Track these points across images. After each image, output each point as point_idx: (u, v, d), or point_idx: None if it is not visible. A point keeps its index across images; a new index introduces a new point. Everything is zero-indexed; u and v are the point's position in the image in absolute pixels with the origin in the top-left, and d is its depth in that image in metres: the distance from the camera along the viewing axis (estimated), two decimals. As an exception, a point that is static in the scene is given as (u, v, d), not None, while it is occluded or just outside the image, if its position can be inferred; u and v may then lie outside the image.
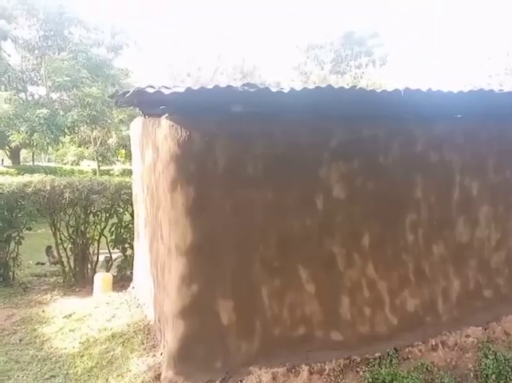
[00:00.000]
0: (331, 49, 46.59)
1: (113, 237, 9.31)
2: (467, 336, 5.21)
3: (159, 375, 4.77)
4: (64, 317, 7.02)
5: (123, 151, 28.70)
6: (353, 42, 46.60)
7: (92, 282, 8.90)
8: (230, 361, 4.61)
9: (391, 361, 4.88)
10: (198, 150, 4.40)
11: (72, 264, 9.26)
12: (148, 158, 5.80)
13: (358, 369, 4.81)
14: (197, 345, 4.53)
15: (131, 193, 8.83)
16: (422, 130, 5.05)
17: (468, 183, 5.26)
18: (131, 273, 9.11)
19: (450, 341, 5.14)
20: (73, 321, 6.85)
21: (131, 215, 9.20)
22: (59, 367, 5.74)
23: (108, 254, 9.45)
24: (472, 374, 4.90)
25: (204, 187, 4.45)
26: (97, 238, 9.34)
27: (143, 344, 5.67)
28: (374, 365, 4.84)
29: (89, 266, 9.38)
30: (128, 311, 6.92)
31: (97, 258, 9.44)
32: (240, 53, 50.82)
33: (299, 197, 4.74)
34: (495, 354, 5.00)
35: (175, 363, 4.53)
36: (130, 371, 5.14)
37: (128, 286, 8.55)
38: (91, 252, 9.37)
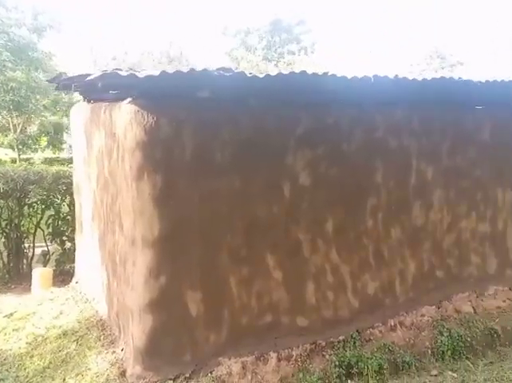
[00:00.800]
0: (259, 35, 46.79)
1: (50, 230, 8.83)
2: (422, 315, 5.42)
3: (124, 371, 4.59)
4: (4, 317, 6.58)
5: (44, 138, 27.34)
6: (281, 29, 47.07)
7: (28, 278, 8.43)
8: (198, 352, 4.52)
9: (354, 343, 4.99)
10: (166, 137, 4.24)
11: (5, 259, 8.71)
12: (99, 145, 5.52)
13: (324, 353, 4.88)
14: (165, 338, 4.40)
15: (69, 183, 8.43)
16: (382, 116, 5.15)
17: (424, 168, 5.44)
18: (71, 267, 8.74)
19: (407, 321, 5.33)
20: (16, 320, 6.43)
21: (70, 206, 8.79)
22: (6, 370, 5.38)
23: (45, 248, 8.95)
24: (430, 351, 5.09)
25: (171, 175, 4.30)
26: (33, 231, 8.82)
27: (99, 340, 5.42)
28: (339, 348, 4.93)
29: (25, 261, 8.85)
30: (75, 307, 6.60)
31: (33, 252, 8.92)
32: (167, 37, 49.93)
33: (266, 185, 4.70)
34: (449, 331, 5.24)
35: (143, 358, 4.38)
36: (90, 369, 4.90)
37: (69, 280, 8.14)
38: (26, 246, 8.85)
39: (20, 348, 5.73)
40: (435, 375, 4.85)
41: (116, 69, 4.06)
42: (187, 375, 4.43)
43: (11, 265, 8.67)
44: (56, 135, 27.19)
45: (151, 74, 3.72)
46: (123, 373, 4.58)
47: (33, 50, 20.93)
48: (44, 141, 27.99)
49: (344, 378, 4.70)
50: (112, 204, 5.15)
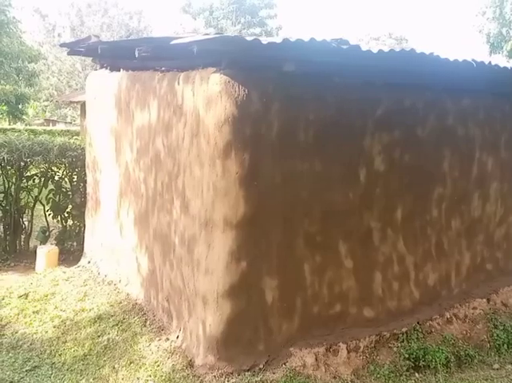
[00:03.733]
0: (223, 14, 45.92)
1: (50, 205, 8.27)
2: (474, 308, 5.38)
3: (191, 361, 4.28)
4: (19, 297, 6.11)
5: (4, 107, 25.96)
6: (245, 10, 46.39)
7: (27, 256, 7.97)
8: (271, 342, 4.28)
9: (417, 335, 4.87)
10: (256, 112, 3.93)
11: (1, 235, 8.11)
12: (147, 118, 5.12)
13: (390, 345, 4.74)
14: (242, 326, 4.14)
15: (76, 156, 7.92)
16: (452, 103, 5.02)
17: (485, 159, 5.37)
18: (72, 245, 8.28)
19: (461, 314, 5.27)
20: (33, 301, 6.00)
21: (71, 181, 8.27)
22: (37, 355, 5.00)
23: (44, 225, 8.39)
24: (488, 345, 5.06)
25: (258, 154, 4.00)
26: (32, 205, 8.24)
27: (144, 326, 5.10)
28: (403, 341, 4.80)
29: (22, 237, 8.27)
30: (98, 289, 6.23)
31: (31, 228, 8.35)
32: (127, 11, 48.32)
33: (344, 169, 4.48)
34: (504, 325, 5.21)
35: (218, 347, 4.09)
36: (145, 358, 4.59)
37: (71, 259, 7.73)
38: (25, 222, 8.27)
39: (47, 332, 5.34)
40: (497, 369, 4.82)
41: (206, 34, 3.69)
42: (261, 366, 4.19)
43: (7, 241, 8.09)
44: (17, 105, 25.87)
45: (246, 40, 3.36)
46: (190, 363, 4.27)
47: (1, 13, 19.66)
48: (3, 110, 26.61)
49: (411, 371, 4.57)
50: (168, 181, 4.78)
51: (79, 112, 18.19)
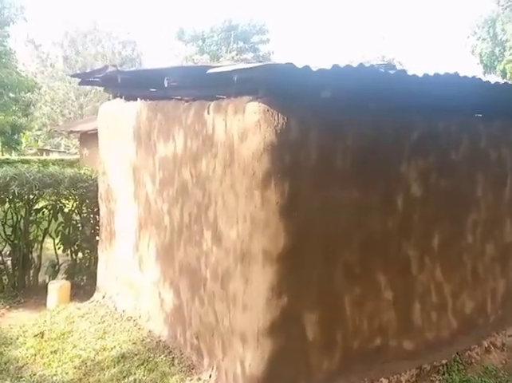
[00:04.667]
0: (216, 41, 46.35)
1: (60, 238, 8.04)
2: (510, 335, 5.22)
3: (228, 402, 4.07)
4: (35, 337, 5.86)
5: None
6: (237, 37, 46.86)
7: (36, 291, 7.70)
8: (312, 380, 4.09)
9: (458, 367, 4.71)
10: (294, 140, 3.81)
11: (9, 269, 7.85)
12: (172, 148, 4.99)
13: (432, 378, 4.57)
14: (284, 365, 3.94)
15: (87, 187, 7.74)
16: (483, 126, 4.94)
17: (516, 182, 5.28)
18: (82, 279, 8.03)
19: (498, 342, 5.13)
20: (50, 340, 5.75)
21: (83, 211, 8.08)
22: (58, 399, 4.72)
23: (54, 258, 8.14)
24: (528, 374, 4.89)
25: (297, 183, 3.87)
26: (41, 239, 8.01)
27: (173, 365, 4.87)
28: (444, 373, 4.64)
29: (31, 272, 8.02)
30: (117, 326, 6.00)
31: (40, 262, 8.10)
32: (120, 38, 48.67)
33: (381, 196, 4.36)
34: (542, 353, 5.06)
35: (260, 387, 3.89)
36: (177, 399, 4.36)
37: (81, 294, 7.48)
38: (34, 256, 8.02)
39: (67, 373, 5.10)
40: (540, 399, 4.64)
41: (248, 63, 3.59)
42: (305, 405, 3.98)
43: (16, 276, 7.83)
44: (12, 135, 25.72)
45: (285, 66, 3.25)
46: (227, 404, 4.06)
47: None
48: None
49: (456, 405, 4.39)
50: (197, 213, 4.62)
51: (78, 142, 18.04)
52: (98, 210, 8.00)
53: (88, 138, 15.32)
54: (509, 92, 4.35)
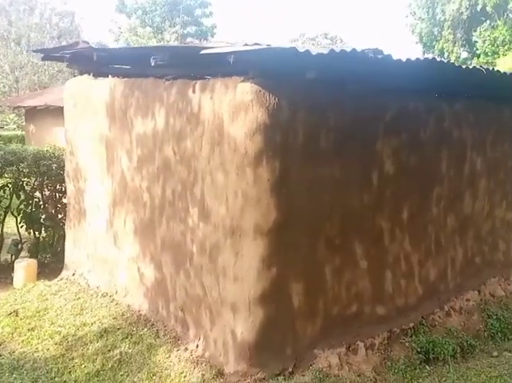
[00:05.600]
0: (160, 14, 45.25)
1: (22, 216, 7.91)
2: (468, 300, 5.71)
3: (220, 370, 4.29)
4: (9, 315, 5.83)
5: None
6: (180, 11, 45.90)
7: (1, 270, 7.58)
8: (297, 345, 4.37)
9: (423, 329, 5.12)
10: (285, 120, 4.00)
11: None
12: (152, 126, 5.05)
13: (401, 340, 4.96)
14: (273, 332, 4.20)
15: (49, 164, 7.64)
16: (447, 106, 5.30)
17: (474, 158, 5.71)
18: (46, 257, 7.97)
19: (457, 306, 5.58)
20: (26, 318, 5.75)
21: (42, 190, 7.97)
22: (44, 375, 4.79)
23: (16, 237, 8.00)
24: (485, 334, 5.38)
25: (286, 161, 4.07)
26: (2, 217, 7.85)
27: (158, 337, 5.03)
28: (412, 335, 5.04)
29: (-7, 251, 7.87)
30: (94, 301, 6.06)
31: (2, 241, 7.95)
32: (57, 9, 46.50)
33: (359, 173, 4.65)
34: (496, 314, 5.57)
35: (251, 354, 4.13)
36: (167, 369, 4.54)
37: (46, 272, 7.44)
38: (-5, 235, 7.86)
39: (48, 349, 5.16)
40: (497, 356, 5.14)
41: (246, 45, 3.72)
42: (290, 369, 4.27)
43: (-23, 256, 7.67)
44: None
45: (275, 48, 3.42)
46: (220, 372, 4.28)
47: None
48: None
49: (423, 364, 4.80)
50: (181, 190, 4.75)
51: (23, 117, 17.37)
52: (61, 188, 7.96)
53: (37, 114, 14.81)
54: (470, 75, 4.68)
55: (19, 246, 7.94)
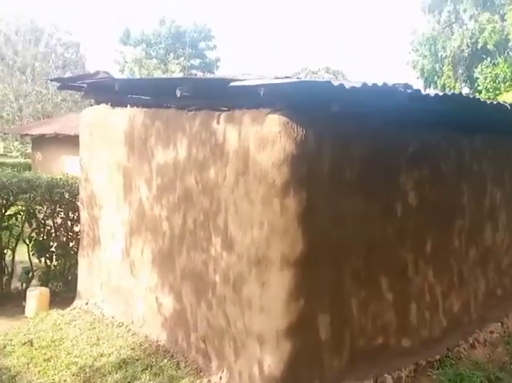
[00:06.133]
0: (164, 47, 45.88)
1: (33, 244, 7.86)
2: (491, 332, 5.62)
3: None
4: (23, 345, 5.74)
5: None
6: (184, 43, 46.54)
7: (11, 299, 7.52)
8: (324, 379, 4.28)
9: (450, 362, 5.03)
10: (311, 151, 4.01)
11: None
12: (173, 156, 5.05)
13: (428, 373, 4.86)
14: (300, 365, 4.12)
15: (62, 192, 7.63)
16: (467, 141, 5.32)
17: (494, 191, 5.70)
18: (57, 286, 7.89)
19: (481, 338, 5.50)
20: (41, 348, 5.65)
21: (57, 217, 7.94)
22: (61, 407, 4.67)
23: (27, 265, 7.93)
24: (510, 367, 5.28)
25: (312, 192, 4.07)
26: (13, 245, 7.80)
27: (179, 369, 4.93)
28: (438, 368, 4.95)
29: (4, 279, 7.79)
30: (109, 332, 5.97)
31: (12, 269, 7.89)
32: (62, 40, 47.16)
33: (383, 205, 4.65)
34: (521, 347, 5.49)
35: (279, 387, 4.04)
36: (189, 403, 4.43)
37: (57, 301, 7.34)
38: (7, 262, 7.80)
39: (65, 381, 5.05)
40: (523, 389, 5.03)
41: (278, 77, 3.75)
42: (317, 404, 4.16)
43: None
44: None
45: (303, 81, 3.46)
46: (244, 406, 4.18)
47: None
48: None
49: (451, 397, 4.70)
50: (203, 219, 4.72)
51: (30, 146, 17.45)
52: (73, 216, 7.93)
53: (44, 142, 14.87)
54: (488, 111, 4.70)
55: (30, 274, 7.89)
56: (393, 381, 4.59)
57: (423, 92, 3.80)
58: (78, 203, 7.52)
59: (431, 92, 3.88)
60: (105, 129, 6.28)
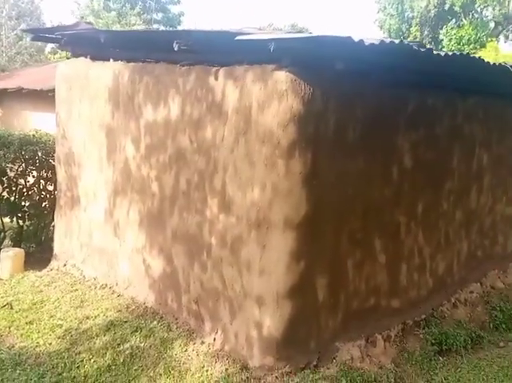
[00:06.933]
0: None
1: (4, 204, 7.55)
2: (471, 292, 5.81)
3: (244, 364, 4.21)
4: (3, 308, 5.57)
5: None
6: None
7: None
8: (320, 339, 4.34)
9: (435, 321, 5.17)
10: (318, 111, 3.92)
11: None
12: (171, 114, 4.86)
13: (415, 332, 4.99)
14: (299, 326, 4.15)
15: (35, 150, 7.31)
16: (461, 102, 5.34)
17: (481, 154, 5.78)
18: (30, 247, 7.64)
19: (462, 298, 5.67)
20: (21, 311, 5.50)
21: (33, 177, 7.63)
22: (50, 370, 4.56)
23: (-1, 225, 7.65)
24: (491, 325, 5.48)
25: (317, 153, 4.00)
26: (-18, 205, 7.48)
27: (171, 331, 4.89)
28: (424, 327, 5.08)
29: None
30: (93, 293, 5.87)
31: (-17, 229, 7.59)
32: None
33: (381, 166, 4.62)
34: (499, 306, 5.68)
35: (278, 348, 4.07)
36: (185, 363, 4.42)
37: (31, 262, 7.11)
38: (-24, 223, 7.49)
39: (50, 344, 4.94)
40: (503, 346, 5.25)
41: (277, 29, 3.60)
42: (315, 363, 4.23)
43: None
44: None
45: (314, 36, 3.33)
46: (244, 366, 4.19)
47: None
48: None
49: (437, 355, 4.85)
50: (198, 180, 4.61)
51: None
52: (47, 175, 7.64)
53: (5, 97, 14.15)
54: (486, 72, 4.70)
55: (2, 234, 7.60)
56: (383, 340, 4.69)
57: (434, 52, 3.70)
58: (52, 162, 7.26)
59: (443, 52, 3.80)
60: (86, 84, 5.99)
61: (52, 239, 7.03)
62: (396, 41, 3.39)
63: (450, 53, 3.73)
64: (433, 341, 4.87)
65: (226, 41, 3.74)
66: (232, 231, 4.30)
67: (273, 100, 3.83)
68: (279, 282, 4.00)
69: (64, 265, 6.63)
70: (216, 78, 4.33)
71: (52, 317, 5.36)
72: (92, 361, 4.62)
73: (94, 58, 6.00)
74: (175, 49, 4.22)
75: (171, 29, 41.99)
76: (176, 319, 5.00)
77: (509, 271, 6.42)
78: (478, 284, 5.94)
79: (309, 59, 3.83)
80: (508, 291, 6.08)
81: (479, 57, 3.95)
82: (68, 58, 6.71)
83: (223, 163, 4.34)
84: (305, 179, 3.91)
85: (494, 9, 28.04)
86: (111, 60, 5.72)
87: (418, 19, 28.79)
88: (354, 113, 4.25)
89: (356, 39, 3.11)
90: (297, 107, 3.77)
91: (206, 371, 4.26)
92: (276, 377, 4.03)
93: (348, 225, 4.41)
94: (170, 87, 4.83)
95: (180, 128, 4.76)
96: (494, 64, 4.25)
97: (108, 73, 5.62)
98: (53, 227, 7.16)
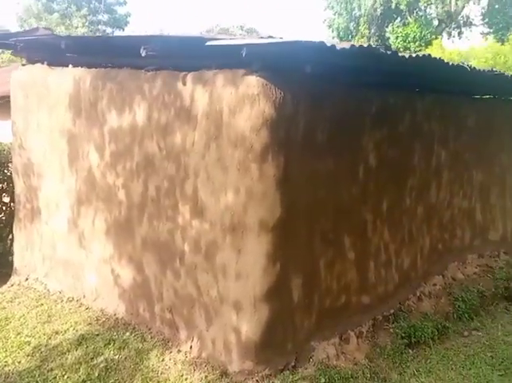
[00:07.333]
0: (74, 2, 42.90)
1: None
2: (434, 284, 6.01)
3: (224, 370, 4.21)
4: (-33, 326, 5.35)
5: None
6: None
7: None
8: (297, 339, 4.39)
9: (403, 315, 5.33)
10: (289, 114, 3.98)
11: None
12: (137, 120, 4.80)
13: (385, 327, 5.13)
14: (276, 328, 4.18)
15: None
16: (420, 101, 5.53)
17: (439, 151, 5.98)
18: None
19: (426, 291, 5.86)
20: (-14, 329, 5.29)
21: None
22: (22, 390, 4.43)
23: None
24: (454, 316, 5.69)
25: (289, 156, 4.05)
26: None
27: (145, 341, 4.82)
28: (393, 322, 5.22)
29: None
30: (59, 307, 5.72)
31: None
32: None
33: (348, 166, 4.72)
34: (461, 297, 5.90)
35: (256, 352, 4.09)
36: (163, 373, 4.38)
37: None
38: None
39: (20, 362, 4.78)
40: (467, 336, 5.47)
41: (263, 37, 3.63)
42: (293, 364, 4.28)
43: None
44: None
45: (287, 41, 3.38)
46: (223, 371, 4.19)
47: None
48: None
49: (407, 348, 5.00)
50: (169, 186, 4.58)
51: None
52: (2, 186, 7.37)
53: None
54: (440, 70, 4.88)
55: (-45, 250, 7.28)
56: (356, 336, 4.79)
57: (400, 54, 3.82)
58: (7, 172, 7.02)
59: (406, 54, 3.93)
60: (44, 91, 5.82)
61: (10, 253, 6.80)
62: (365, 45, 3.47)
63: (414, 55, 3.86)
64: (402, 335, 5.01)
65: (195, 46, 3.74)
66: (206, 237, 4.30)
67: (244, 105, 3.85)
68: (256, 286, 4.02)
69: (26, 279, 6.42)
70: (184, 83, 4.32)
71: (19, 334, 5.19)
72: (66, 377, 4.50)
73: (52, 64, 5.86)
74: (143, 54, 4.17)
75: (118, 30, 41.46)
76: (150, 329, 4.94)
77: (467, 263, 6.65)
78: (441, 276, 6.14)
79: (279, 63, 3.88)
80: (468, 282, 6.31)
81: (440, 58, 4.10)
82: (14, 62, 6.49)
83: (194, 168, 4.33)
84: (278, 182, 3.95)
85: (437, 8, 29.04)
86: (70, 66, 5.60)
87: (365, 17, 29.43)
88: (323, 115, 4.33)
89: (328, 44, 3.18)
90: (269, 111, 3.81)
91: (186, 379, 4.24)
92: (256, 380, 4.05)
93: (320, 225, 4.49)
94: (135, 93, 4.77)
95: (147, 134, 4.71)
96: (453, 63, 4.44)
97: (68, 79, 5.50)
98: (11, 240, 6.93)
